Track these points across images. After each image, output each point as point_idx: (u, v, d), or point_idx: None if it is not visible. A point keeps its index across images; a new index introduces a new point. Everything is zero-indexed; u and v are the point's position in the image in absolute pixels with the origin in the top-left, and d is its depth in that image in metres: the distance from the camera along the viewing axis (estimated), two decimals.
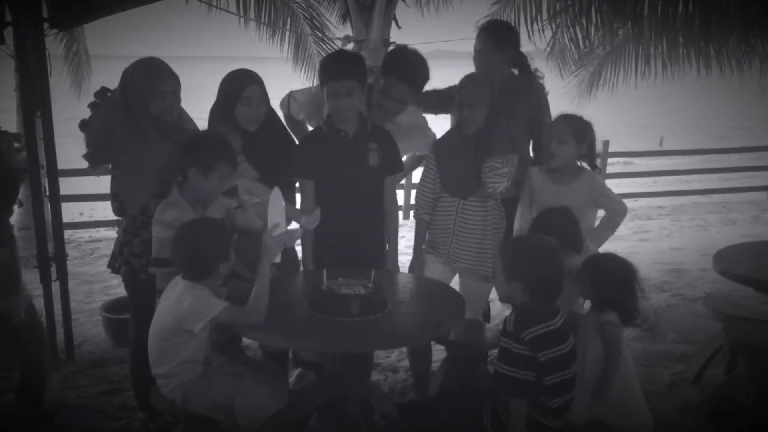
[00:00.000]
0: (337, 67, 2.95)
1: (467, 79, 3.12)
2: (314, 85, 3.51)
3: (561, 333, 2.37)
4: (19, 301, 3.00)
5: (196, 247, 2.43)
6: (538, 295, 2.39)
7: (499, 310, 4.56)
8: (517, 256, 2.46)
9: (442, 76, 3.69)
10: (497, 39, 3.43)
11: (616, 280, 2.64)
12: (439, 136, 3.34)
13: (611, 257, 2.73)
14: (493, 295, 3.47)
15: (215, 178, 2.65)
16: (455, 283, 3.22)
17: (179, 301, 2.39)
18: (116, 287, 5.26)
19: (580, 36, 8.01)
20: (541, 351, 2.30)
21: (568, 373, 2.38)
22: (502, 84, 3.29)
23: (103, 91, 3.14)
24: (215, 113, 3.03)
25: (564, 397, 2.38)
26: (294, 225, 2.96)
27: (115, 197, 2.97)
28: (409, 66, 3.18)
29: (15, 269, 2.98)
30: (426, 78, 3.26)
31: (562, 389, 2.37)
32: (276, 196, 2.55)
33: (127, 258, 2.93)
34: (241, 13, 7.55)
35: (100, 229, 7.98)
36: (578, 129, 3.10)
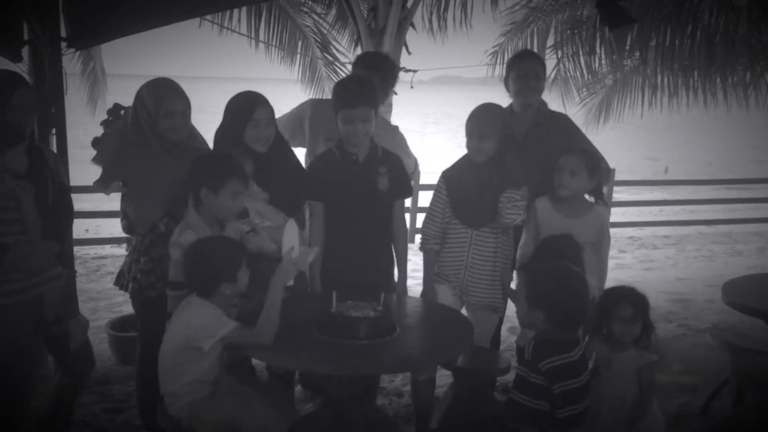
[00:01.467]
0: (353, 95, 2.97)
1: (479, 110, 3.10)
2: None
3: (578, 366, 2.35)
4: (79, 323, 3.00)
5: (198, 263, 2.45)
6: (560, 326, 2.38)
7: (504, 336, 4.54)
8: (544, 285, 2.43)
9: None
10: (545, 67, 3.51)
11: (646, 311, 2.59)
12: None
13: (631, 290, 2.65)
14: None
15: (226, 194, 2.65)
16: (463, 312, 3.20)
17: (190, 318, 2.40)
18: (121, 305, 5.26)
19: (584, 65, 8.14)
20: (557, 383, 2.29)
21: (581, 407, 2.36)
22: (535, 116, 3.39)
23: (117, 108, 3.18)
24: (222, 136, 3.03)
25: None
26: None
27: (125, 215, 3.00)
28: (378, 58, 3.48)
29: (74, 290, 2.99)
30: (394, 69, 3.50)
31: (573, 422, 2.35)
32: (291, 226, 2.58)
33: (135, 275, 2.94)
34: (252, 35, 7.66)
35: (106, 246, 7.99)
36: (591, 162, 3.09)
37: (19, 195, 2.56)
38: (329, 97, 3.32)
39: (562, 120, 3.50)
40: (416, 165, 3.73)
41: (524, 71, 3.39)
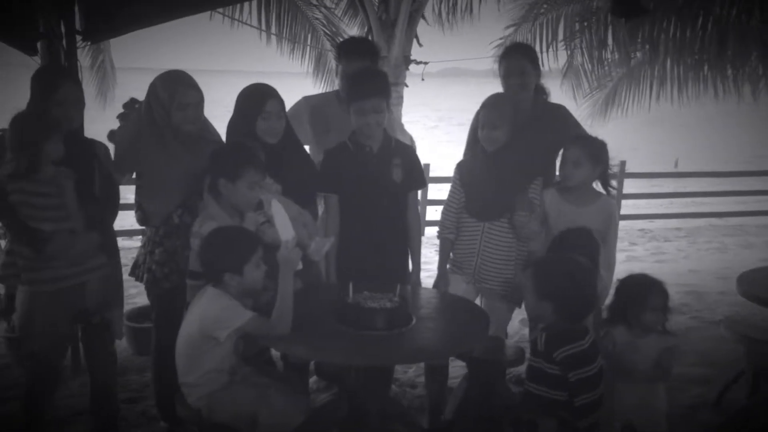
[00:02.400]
0: (365, 87, 2.98)
1: (492, 99, 3.13)
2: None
3: (590, 353, 2.37)
4: (121, 313, 3.05)
5: (206, 250, 2.48)
6: (569, 317, 2.39)
7: (516, 328, 4.55)
8: (551, 277, 2.44)
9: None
10: (534, 61, 3.38)
11: (667, 297, 2.61)
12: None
13: (649, 278, 2.67)
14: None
15: (243, 184, 2.68)
16: (477, 302, 3.21)
17: (207, 308, 2.41)
18: (135, 296, 5.28)
19: (595, 58, 8.10)
20: (572, 371, 2.31)
21: (596, 394, 2.38)
22: (532, 109, 3.34)
23: (132, 102, 3.20)
24: (234, 128, 3.04)
25: (590, 419, 2.38)
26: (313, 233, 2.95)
27: (139, 207, 3.02)
28: (371, 44, 3.59)
29: (121, 281, 3.02)
30: (375, 48, 3.55)
31: (590, 409, 2.37)
32: (277, 208, 2.54)
33: (150, 266, 2.97)
34: (263, 28, 7.67)
35: (117, 238, 8.00)
36: (593, 151, 3.07)
37: (60, 181, 2.64)
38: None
39: (561, 111, 3.47)
40: (411, 141, 3.76)
41: (509, 69, 3.33)
